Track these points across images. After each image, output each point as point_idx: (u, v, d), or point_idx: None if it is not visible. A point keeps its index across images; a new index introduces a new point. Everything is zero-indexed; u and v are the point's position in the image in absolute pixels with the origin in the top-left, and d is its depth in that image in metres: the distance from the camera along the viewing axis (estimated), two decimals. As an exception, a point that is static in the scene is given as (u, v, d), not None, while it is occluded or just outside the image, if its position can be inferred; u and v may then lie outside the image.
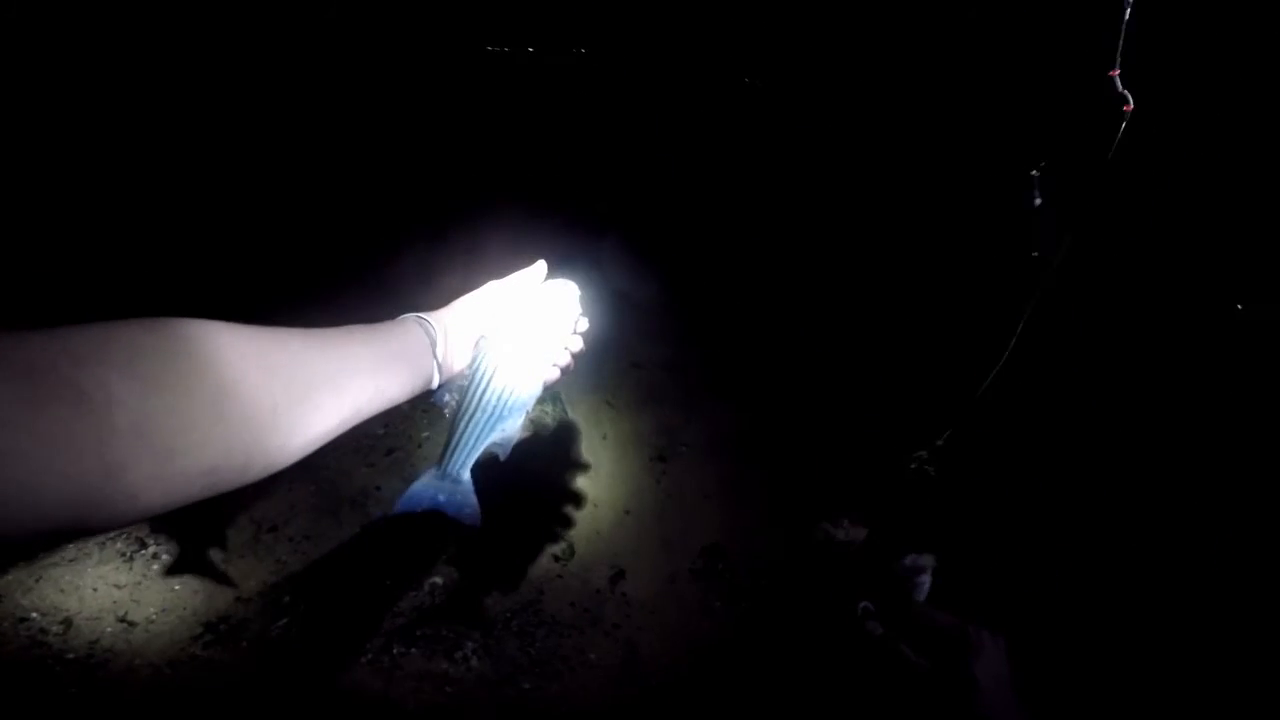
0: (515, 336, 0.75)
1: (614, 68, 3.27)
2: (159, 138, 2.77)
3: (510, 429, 0.75)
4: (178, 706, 1.34)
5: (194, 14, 2.96)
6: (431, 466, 0.74)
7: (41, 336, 0.41)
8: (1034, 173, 0.92)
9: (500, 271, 0.84)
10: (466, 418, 0.72)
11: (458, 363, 0.74)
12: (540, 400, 0.80)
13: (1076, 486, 1.75)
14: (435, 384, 0.71)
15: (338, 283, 2.41)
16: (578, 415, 2.09)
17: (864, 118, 2.90)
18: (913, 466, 1.06)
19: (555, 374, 0.80)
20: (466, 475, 0.73)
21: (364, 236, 2.63)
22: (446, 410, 0.73)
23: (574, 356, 0.84)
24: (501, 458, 0.76)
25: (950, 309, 2.36)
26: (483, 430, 0.73)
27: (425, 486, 0.73)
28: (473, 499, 0.73)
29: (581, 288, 0.84)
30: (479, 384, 0.72)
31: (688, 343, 2.48)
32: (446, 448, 0.73)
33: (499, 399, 0.73)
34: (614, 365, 2.30)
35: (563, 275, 0.86)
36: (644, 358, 2.38)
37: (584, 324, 0.86)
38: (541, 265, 0.85)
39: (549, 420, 2.04)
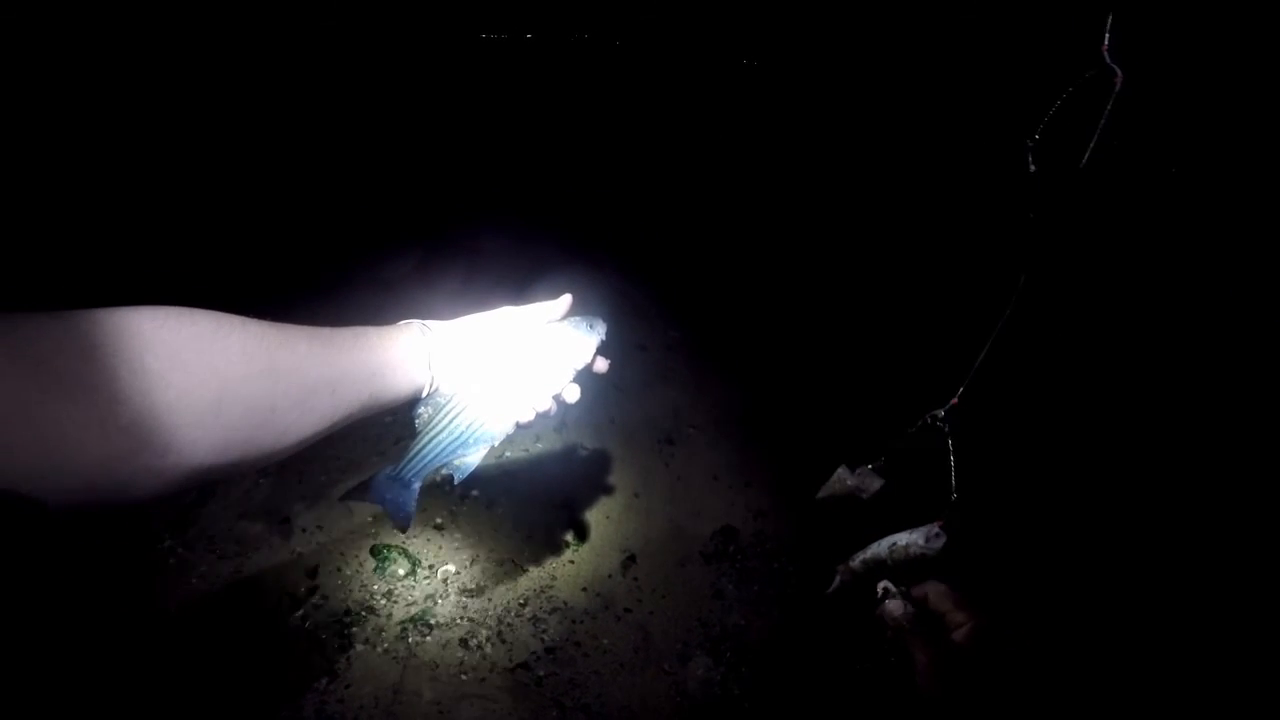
0: (503, 373, 0.76)
1: (616, 52, 3.23)
2: (168, 143, 2.76)
3: (470, 459, 0.78)
4: (197, 699, 1.36)
5: (198, 15, 2.94)
6: (388, 465, 0.78)
7: (59, 324, 0.42)
8: (1029, 142, 0.92)
9: (513, 288, 0.83)
10: (432, 435, 0.74)
11: (450, 379, 0.74)
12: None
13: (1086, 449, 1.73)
14: (425, 395, 0.73)
15: (337, 284, 2.39)
16: (583, 399, 2.08)
17: (858, 93, 2.85)
18: (925, 422, 1.06)
19: (530, 418, 0.80)
20: (416, 485, 0.77)
21: (364, 238, 2.61)
22: (417, 421, 0.75)
23: (559, 403, 0.83)
24: (455, 480, 0.78)
25: (948, 280, 2.33)
26: (443, 452, 0.76)
27: (378, 483, 0.78)
28: (412, 506, 0.78)
29: (609, 325, 0.84)
30: (453, 409, 0.74)
31: (692, 323, 2.46)
32: (406, 454, 0.76)
33: (467, 429, 0.75)
34: (619, 348, 2.29)
35: (593, 312, 0.85)
36: (649, 339, 2.37)
37: (602, 366, 0.85)
38: (566, 300, 0.84)
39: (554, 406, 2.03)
